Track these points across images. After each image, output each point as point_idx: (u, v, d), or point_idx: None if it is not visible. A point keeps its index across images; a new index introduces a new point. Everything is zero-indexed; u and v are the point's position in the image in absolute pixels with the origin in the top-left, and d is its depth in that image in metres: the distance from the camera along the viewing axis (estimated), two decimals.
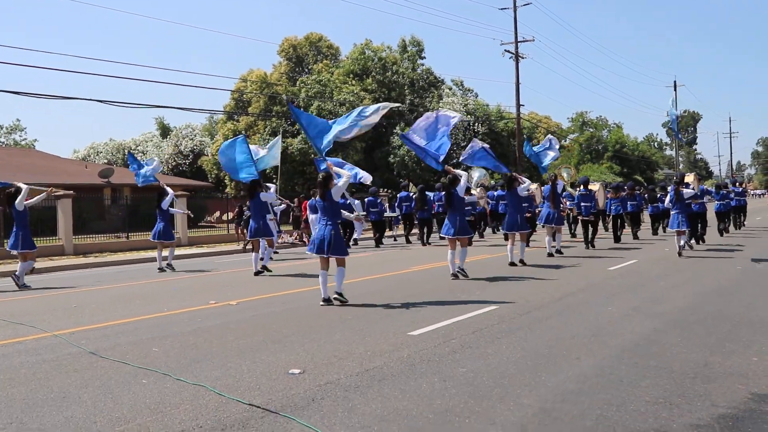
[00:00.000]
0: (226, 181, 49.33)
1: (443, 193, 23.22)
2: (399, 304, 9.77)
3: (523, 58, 41.40)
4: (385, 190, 35.68)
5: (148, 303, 10.64)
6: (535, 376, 5.71)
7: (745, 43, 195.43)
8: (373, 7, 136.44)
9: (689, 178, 19.77)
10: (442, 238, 13.60)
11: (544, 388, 5.37)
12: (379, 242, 23.57)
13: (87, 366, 6.44)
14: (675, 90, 64.29)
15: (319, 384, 5.59)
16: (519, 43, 41.21)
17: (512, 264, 14.63)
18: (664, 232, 24.26)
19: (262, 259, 14.74)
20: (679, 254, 16.06)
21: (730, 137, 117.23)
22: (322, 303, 9.90)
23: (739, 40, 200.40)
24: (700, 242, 19.44)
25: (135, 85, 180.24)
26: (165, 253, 16.87)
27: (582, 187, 19.61)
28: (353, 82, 44.18)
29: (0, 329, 8.16)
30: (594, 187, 20.79)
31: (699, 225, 19.32)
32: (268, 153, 18.01)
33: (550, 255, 16.40)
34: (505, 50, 41.46)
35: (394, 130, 43.63)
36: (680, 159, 70.14)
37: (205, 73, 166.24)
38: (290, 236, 25.96)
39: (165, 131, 61.06)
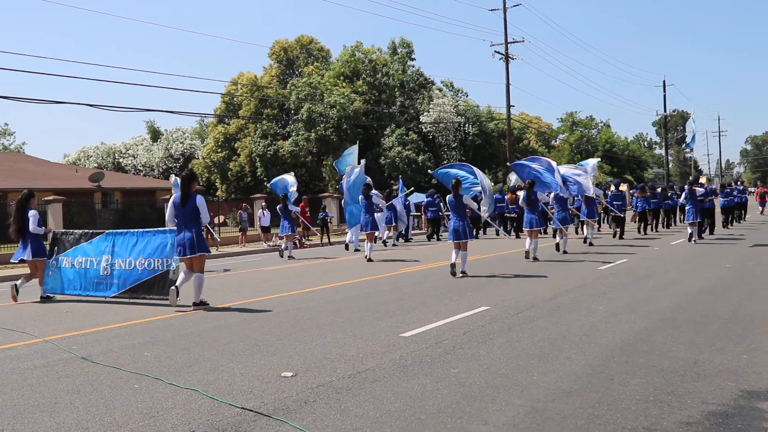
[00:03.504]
0: (216, 184, 49.36)
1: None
2: (391, 305, 9.79)
3: (513, 59, 41.42)
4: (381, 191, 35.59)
5: (139, 307, 10.59)
6: (526, 376, 5.74)
7: (734, 41, 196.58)
8: (364, 9, 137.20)
9: (702, 179, 26.18)
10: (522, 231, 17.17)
11: (536, 388, 5.39)
12: (430, 237, 26.84)
13: (78, 371, 6.43)
14: (664, 89, 64.55)
15: (311, 387, 5.60)
16: (509, 44, 41.24)
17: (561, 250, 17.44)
18: (675, 225, 29.37)
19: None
20: (689, 240, 19.78)
21: (719, 136, 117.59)
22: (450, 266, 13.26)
23: (727, 38, 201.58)
24: (705, 234, 22.32)
25: (125, 88, 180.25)
26: (280, 242, 19.80)
27: (614, 188, 24.85)
28: (344, 84, 44.20)
29: None
30: (623, 187, 26.33)
31: (707, 220, 22.75)
32: (343, 159, 21.37)
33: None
34: (495, 51, 41.46)
35: (385, 132, 43.66)
36: (670, 158, 70.20)
37: (195, 76, 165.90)
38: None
39: (155, 135, 61.03)
